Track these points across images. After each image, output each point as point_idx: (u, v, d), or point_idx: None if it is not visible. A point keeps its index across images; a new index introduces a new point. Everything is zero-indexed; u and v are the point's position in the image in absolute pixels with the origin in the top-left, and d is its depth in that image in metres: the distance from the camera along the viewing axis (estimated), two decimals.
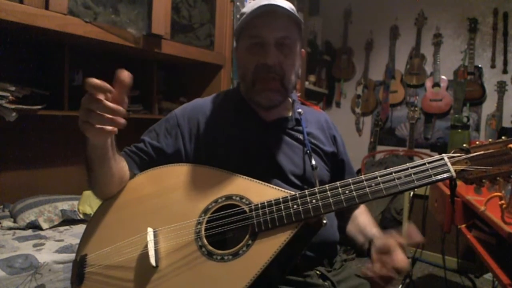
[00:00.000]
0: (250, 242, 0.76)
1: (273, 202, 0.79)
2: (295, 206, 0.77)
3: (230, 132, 0.98)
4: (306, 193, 0.78)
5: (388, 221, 2.94)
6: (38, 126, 2.01)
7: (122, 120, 0.72)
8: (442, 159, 0.74)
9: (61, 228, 1.71)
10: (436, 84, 3.35)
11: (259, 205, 0.79)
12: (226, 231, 0.79)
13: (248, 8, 0.95)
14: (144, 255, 0.79)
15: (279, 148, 0.97)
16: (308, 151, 0.97)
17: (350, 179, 0.77)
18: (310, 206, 0.76)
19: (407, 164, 0.75)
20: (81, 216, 1.80)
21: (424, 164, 0.74)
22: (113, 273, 0.80)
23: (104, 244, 0.84)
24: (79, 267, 0.84)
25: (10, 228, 1.66)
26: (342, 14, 3.91)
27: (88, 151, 0.81)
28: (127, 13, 1.83)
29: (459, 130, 1.54)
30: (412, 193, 2.27)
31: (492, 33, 3.19)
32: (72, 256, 1.41)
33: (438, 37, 3.41)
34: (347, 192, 0.75)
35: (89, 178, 0.88)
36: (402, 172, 0.74)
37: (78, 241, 1.52)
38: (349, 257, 2.87)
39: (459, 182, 1.19)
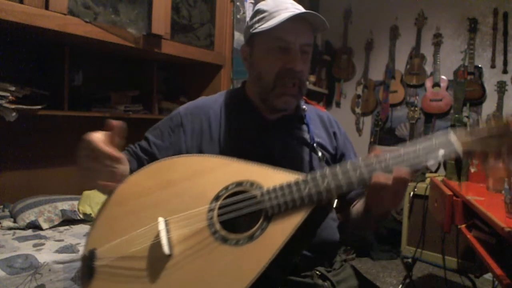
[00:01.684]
0: (264, 225, 0.76)
1: (284, 185, 0.79)
2: (306, 189, 0.77)
3: (232, 133, 0.98)
4: (317, 175, 0.78)
5: (388, 221, 2.94)
6: (38, 126, 2.01)
7: (119, 177, 0.77)
8: (450, 137, 0.74)
9: (61, 228, 1.71)
10: (436, 84, 3.35)
11: (271, 189, 0.79)
12: (239, 217, 0.79)
13: (269, 7, 0.94)
14: (156, 244, 0.78)
15: (280, 148, 0.98)
16: (313, 148, 0.99)
17: (360, 159, 0.77)
18: (321, 188, 0.76)
19: (417, 143, 0.75)
20: (81, 216, 1.80)
21: (432, 141, 0.75)
22: (125, 264, 0.80)
23: (113, 237, 0.84)
24: (88, 261, 0.83)
25: (10, 228, 1.66)
26: (342, 14, 3.91)
27: (85, 162, 0.82)
28: (127, 13, 1.83)
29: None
30: (412, 193, 2.27)
31: (492, 33, 3.19)
32: (72, 256, 1.41)
33: (438, 37, 3.41)
34: (358, 173, 0.76)
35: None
36: (411, 154, 0.74)
37: (78, 241, 1.53)
38: (349, 257, 2.87)
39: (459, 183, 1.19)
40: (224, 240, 0.77)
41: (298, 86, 0.95)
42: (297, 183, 0.78)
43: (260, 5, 0.98)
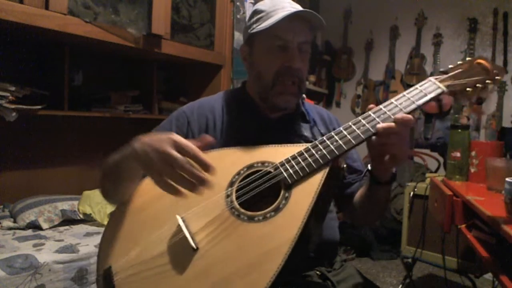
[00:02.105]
0: (287, 194, 0.77)
1: (296, 154, 0.81)
2: (319, 152, 0.79)
3: (235, 132, 0.99)
4: (324, 138, 0.81)
5: (388, 221, 2.94)
6: (38, 126, 2.01)
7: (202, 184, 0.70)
8: (430, 81, 0.84)
9: (61, 228, 1.71)
10: None
11: (284, 161, 0.81)
12: (257, 196, 0.79)
13: (266, 6, 0.95)
14: (178, 242, 0.76)
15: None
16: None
17: (359, 117, 0.81)
18: (333, 147, 0.79)
19: (403, 92, 0.82)
20: (81, 216, 1.80)
21: (416, 88, 0.82)
22: (148, 269, 0.77)
23: (128, 249, 0.81)
24: (105, 281, 0.79)
25: (10, 228, 1.66)
26: (342, 14, 3.91)
27: (120, 169, 0.80)
28: (127, 13, 1.83)
29: (459, 130, 1.53)
30: (412, 193, 2.27)
31: (492, 33, 3.19)
32: (72, 256, 1.41)
33: (438, 37, 3.41)
34: (361, 127, 0.79)
35: (108, 191, 0.88)
36: (402, 99, 0.81)
37: (78, 241, 1.53)
38: (349, 257, 2.87)
39: (459, 183, 1.19)
40: (251, 219, 0.76)
41: (297, 85, 0.96)
42: (307, 149, 0.80)
43: (258, 5, 0.98)
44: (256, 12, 0.97)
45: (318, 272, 0.92)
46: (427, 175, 2.57)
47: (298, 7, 0.96)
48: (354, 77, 3.93)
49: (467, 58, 0.89)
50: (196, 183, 0.69)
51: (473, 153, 1.53)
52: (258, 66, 0.98)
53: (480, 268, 2.02)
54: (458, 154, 1.57)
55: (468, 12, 3.29)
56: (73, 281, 1.39)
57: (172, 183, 0.70)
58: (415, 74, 3.50)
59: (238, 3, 2.46)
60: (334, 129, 1.09)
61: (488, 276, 2.29)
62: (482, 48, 3.24)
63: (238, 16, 2.47)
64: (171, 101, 2.42)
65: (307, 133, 1.02)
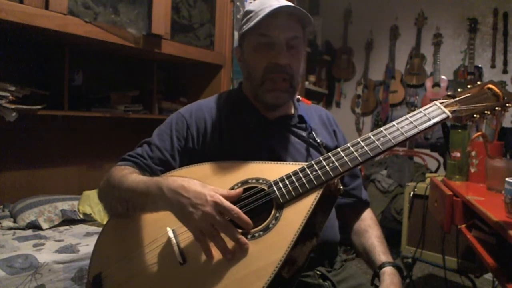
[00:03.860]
0: (277, 214, 0.76)
1: (291, 174, 0.80)
2: (314, 172, 0.78)
3: (234, 132, 0.98)
4: (321, 158, 0.80)
5: (388, 221, 2.93)
6: (38, 126, 2.01)
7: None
8: (435, 104, 0.80)
9: (61, 228, 1.71)
10: (436, 84, 3.35)
11: (278, 180, 0.80)
12: (249, 212, 0.78)
13: (255, 7, 0.95)
14: (167, 255, 0.76)
15: (282, 146, 0.98)
16: (315, 147, 1.00)
17: (359, 138, 0.80)
18: (328, 169, 0.77)
19: (406, 115, 0.80)
20: (81, 216, 1.79)
21: (420, 112, 0.80)
22: (138, 279, 0.77)
23: (119, 256, 0.81)
24: (94, 287, 0.80)
25: (10, 228, 1.66)
26: (342, 14, 3.91)
27: (140, 204, 0.81)
28: (127, 13, 1.83)
29: (459, 130, 1.53)
30: (412, 193, 2.27)
31: (492, 33, 3.20)
32: (72, 256, 1.41)
33: (438, 37, 3.41)
34: (359, 149, 0.77)
35: (116, 211, 0.88)
36: (404, 122, 0.79)
37: (78, 241, 1.53)
38: (349, 257, 2.87)
39: (459, 183, 1.19)
40: None
41: (288, 81, 0.95)
42: (302, 169, 0.79)
43: (248, 6, 0.99)
44: (246, 13, 0.98)
45: (318, 272, 0.92)
46: (427, 175, 2.57)
47: (286, 4, 0.94)
48: (354, 77, 3.93)
49: (478, 82, 0.85)
50: (229, 252, 0.72)
51: (473, 153, 1.53)
52: (249, 65, 0.98)
53: (480, 268, 2.02)
54: (458, 154, 1.57)
55: (468, 12, 3.29)
56: (73, 281, 1.39)
57: (209, 244, 0.72)
58: (415, 74, 3.50)
59: (238, 3, 2.46)
60: (334, 130, 1.10)
61: (488, 276, 2.29)
62: (482, 48, 3.25)
63: (238, 16, 2.47)
64: (171, 101, 2.42)
65: (305, 134, 1.02)
